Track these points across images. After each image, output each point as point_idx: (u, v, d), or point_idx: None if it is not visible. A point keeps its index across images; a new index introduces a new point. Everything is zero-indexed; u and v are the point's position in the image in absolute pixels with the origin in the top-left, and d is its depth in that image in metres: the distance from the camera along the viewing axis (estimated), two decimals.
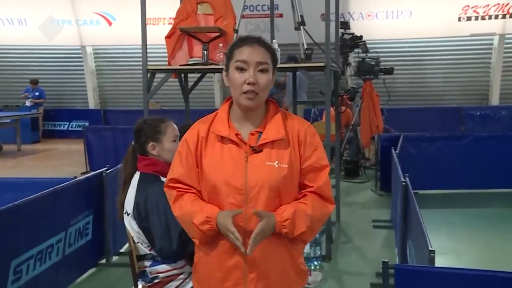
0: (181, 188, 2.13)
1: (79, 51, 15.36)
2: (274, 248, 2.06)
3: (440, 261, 3.53)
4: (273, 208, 2.03)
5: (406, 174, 4.38)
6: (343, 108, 6.97)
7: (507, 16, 13.20)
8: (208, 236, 2.05)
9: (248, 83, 2.00)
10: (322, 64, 4.68)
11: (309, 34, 5.32)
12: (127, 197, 2.81)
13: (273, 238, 2.04)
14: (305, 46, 5.14)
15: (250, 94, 2.00)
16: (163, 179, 2.78)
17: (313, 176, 2.10)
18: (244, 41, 2.06)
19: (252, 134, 2.08)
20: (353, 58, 10.19)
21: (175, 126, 2.98)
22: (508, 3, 13.13)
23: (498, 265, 4.31)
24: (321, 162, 2.12)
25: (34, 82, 14.35)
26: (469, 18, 13.38)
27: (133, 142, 2.97)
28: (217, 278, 2.09)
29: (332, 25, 5.35)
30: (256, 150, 2.04)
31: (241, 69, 2.02)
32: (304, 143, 2.09)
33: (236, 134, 2.06)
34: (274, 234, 2.02)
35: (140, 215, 2.69)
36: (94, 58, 15.65)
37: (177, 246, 2.60)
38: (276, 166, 2.03)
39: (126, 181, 2.89)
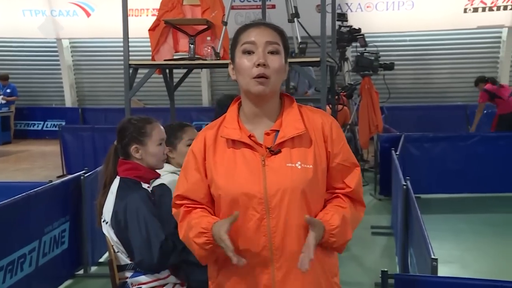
0: (189, 204, 2.02)
1: (55, 45, 15.29)
2: (304, 272, 1.88)
3: (444, 271, 3.56)
4: (300, 217, 1.88)
5: (408, 177, 4.41)
6: (340, 106, 7.01)
7: None
8: (208, 252, 1.92)
9: (258, 65, 1.87)
10: (318, 59, 4.70)
11: (303, 27, 5.34)
12: (106, 203, 2.80)
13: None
14: (299, 40, 5.15)
15: (260, 78, 1.87)
16: (144, 185, 2.78)
17: (343, 176, 2.00)
18: (250, 24, 1.97)
19: (267, 134, 1.95)
20: (351, 52, 10.24)
21: (162, 129, 2.96)
22: None
23: (507, 275, 4.34)
24: (351, 160, 2.02)
25: (4, 78, 14.27)
26: (475, 10, 13.46)
27: (115, 142, 2.95)
28: None
29: (329, 17, 5.38)
30: (274, 151, 1.91)
31: (248, 52, 1.90)
32: (331, 138, 1.97)
33: (249, 136, 1.94)
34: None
35: (118, 225, 2.68)
36: (71, 52, 15.58)
37: (158, 259, 2.59)
38: (299, 167, 1.90)
39: (106, 184, 2.87)
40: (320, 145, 1.96)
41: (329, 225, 1.89)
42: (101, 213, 2.83)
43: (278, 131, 1.94)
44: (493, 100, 10.08)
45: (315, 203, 1.95)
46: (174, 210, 2.08)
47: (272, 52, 1.91)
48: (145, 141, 2.85)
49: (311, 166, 1.91)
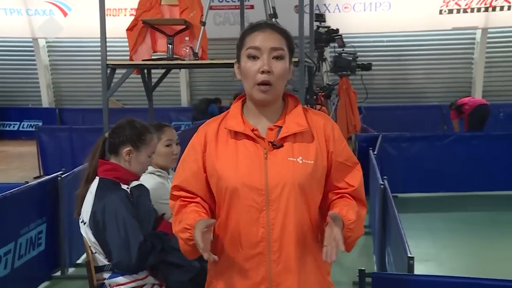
0: (185, 197, 2.03)
1: (31, 44, 15.09)
2: (303, 263, 1.97)
3: (421, 269, 3.59)
4: (298, 210, 1.93)
5: (385, 177, 4.43)
6: (318, 106, 7.02)
7: (490, 9, 13.49)
8: (192, 247, 1.93)
9: (262, 72, 1.90)
10: (296, 60, 4.71)
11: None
12: (84, 204, 2.78)
13: (303, 252, 1.96)
14: None
15: (263, 86, 1.91)
16: (124, 186, 2.76)
17: (345, 176, 2.02)
18: (256, 26, 1.98)
19: (270, 129, 1.98)
20: (329, 53, 10.28)
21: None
22: None
23: (482, 273, 4.40)
24: (353, 160, 2.05)
25: None
26: (450, 11, 13.62)
27: (106, 135, 2.92)
28: None
29: (306, 17, 5.39)
30: (276, 145, 1.94)
31: (253, 57, 1.93)
32: (333, 138, 2.01)
33: (252, 130, 1.97)
34: (306, 246, 1.96)
35: (97, 226, 2.66)
36: (48, 52, 15.40)
37: (136, 260, 2.58)
38: (300, 162, 1.93)
39: (89, 176, 2.84)
40: (321, 143, 2.00)
41: (347, 220, 1.91)
42: (81, 205, 2.80)
43: (281, 127, 1.98)
44: (461, 113, 10.37)
45: (313, 198, 1.99)
46: (171, 202, 2.10)
47: (276, 58, 1.94)
48: (140, 148, 2.85)
49: (312, 162, 1.95)
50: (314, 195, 1.99)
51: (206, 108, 12.00)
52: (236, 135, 1.98)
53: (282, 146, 1.95)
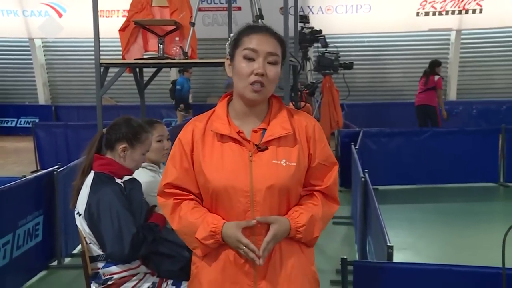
0: (178, 194, 2.00)
1: (27, 44, 14.95)
2: (286, 254, 1.96)
3: (399, 257, 3.62)
4: (281, 210, 1.93)
5: (366, 170, 4.45)
6: (302, 103, 7.01)
7: (463, 12, 13.59)
8: (211, 249, 1.94)
9: (257, 74, 1.88)
10: (272, 62, 4.69)
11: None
12: (80, 196, 2.76)
13: (285, 244, 1.95)
14: None
15: (256, 85, 1.88)
16: (117, 180, 2.74)
17: (321, 175, 2.01)
18: (254, 28, 1.95)
19: (254, 131, 1.95)
20: (312, 52, 10.29)
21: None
22: None
23: (456, 260, 4.43)
24: (331, 160, 2.04)
25: None
26: (427, 13, 13.70)
27: (104, 130, 2.90)
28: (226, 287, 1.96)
29: (291, 19, 5.37)
30: (261, 148, 1.91)
31: (249, 59, 1.90)
32: (314, 139, 2.00)
33: (238, 132, 1.94)
34: (287, 238, 1.94)
35: (91, 218, 2.65)
36: (44, 51, 15.26)
37: (129, 251, 2.56)
38: (284, 164, 1.91)
39: (85, 168, 2.82)
40: (303, 145, 1.99)
41: (295, 223, 1.93)
42: (76, 196, 2.78)
43: (265, 129, 1.95)
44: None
45: (294, 199, 1.99)
46: (161, 199, 2.04)
47: (270, 63, 1.92)
48: (135, 145, 2.83)
49: (294, 164, 1.93)
50: (295, 195, 1.99)
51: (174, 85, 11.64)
52: (221, 137, 1.95)
53: (266, 149, 1.93)
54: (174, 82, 11.88)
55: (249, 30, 1.95)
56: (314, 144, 2.00)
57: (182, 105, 11.29)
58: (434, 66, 9.94)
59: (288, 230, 1.92)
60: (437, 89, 9.82)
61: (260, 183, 1.89)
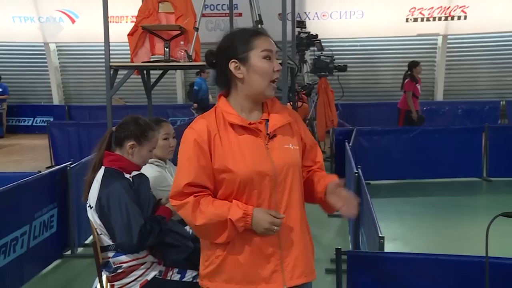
0: (196, 192, 1.92)
1: (43, 48, 14.94)
2: (300, 234, 2.01)
3: (390, 247, 3.61)
4: (294, 187, 1.99)
5: (359, 166, 4.44)
6: (299, 103, 7.03)
7: (449, 18, 13.62)
8: (236, 234, 1.91)
9: (278, 70, 1.96)
10: (279, 61, 4.69)
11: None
12: (91, 190, 2.75)
13: (300, 225, 2.01)
14: None
15: (276, 82, 1.98)
16: (126, 175, 2.74)
17: (314, 155, 2.15)
18: (261, 32, 2.01)
19: (259, 122, 2.00)
20: (309, 55, 10.27)
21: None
22: (449, 6, 13.52)
23: (443, 250, 4.42)
24: (314, 140, 2.18)
25: None
26: (415, 19, 13.71)
27: (113, 128, 2.89)
28: (252, 270, 1.94)
29: (289, 24, 5.38)
30: (271, 136, 1.98)
31: (269, 58, 1.96)
32: (300, 125, 2.12)
33: (250, 123, 1.97)
34: (304, 222, 2.04)
35: (102, 210, 2.64)
36: (58, 55, 15.24)
37: (137, 241, 2.56)
38: (292, 148, 2.01)
39: (96, 164, 2.82)
40: (297, 131, 2.08)
41: (333, 178, 2.06)
42: (88, 190, 2.77)
43: (267, 120, 2.01)
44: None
45: (300, 178, 2.06)
46: (177, 202, 1.94)
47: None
48: (143, 143, 2.83)
49: (297, 148, 2.04)
50: (301, 173, 2.06)
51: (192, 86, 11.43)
52: (237, 129, 1.94)
53: (275, 136, 1.99)
54: (192, 85, 11.55)
55: (258, 33, 1.99)
56: (304, 131, 2.13)
57: (195, 104, 11.05)
58: (411, 67, 9.46)
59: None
60: (406, 92, 9.37)
61: (280, 165, 1.95)
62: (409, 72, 9.49)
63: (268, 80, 1.95)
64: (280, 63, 1.96)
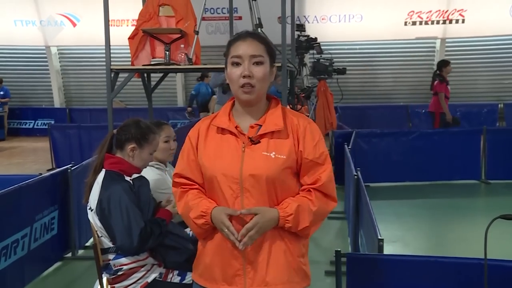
0: (185, 184, 2.07)
1: (44, 51, 14.95)
2: (270, 242, 1.97)
3: (389, 249, 3.61)
4: (271, 200, 1.95)
5: (358, 168, 4.44)
6: (299, 106, 7.00)
7: (447, 22, 13.64)
8: (204, 230, 2.00)
9: (244, 76, 1.94)
10: (279, 65, 4.68)
11: (266, 36, 5.31)
12: (92, 193, 2.75)
13: (271, 232, 1.96)
14: None
15: (246, 87, 1.95)
16: (127, 178, 2.74)
17: (315, 172, 1.99)
18: (238, 36, 2.01)
19: (251, 127, 2.01)
20: (308, 59, 10.27)
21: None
22: (447, 10, 13.54)
23: (442, 252, 4.43)
24: (323, 158, 2.01)
25: None
26: (414, 23, 13.73)
27: (115, 131, 2.89)
28: (218, 269, 2.00)
29: (288, 27, 5.38)
30: (254, 141, 1.96)
31: (236, 64, 1.97)
32: (304, 138, 1.99)
33: (236, 127, 2.00)
34: (276, 229, 1.95)
35: (102, 212, 2.64)
36: (59, 58, 15.26)
37: (137, 243, 2.57)
38: (273, 156, 1.94)
39: (97, 166, 2.81)
40: (295, 142, 2.00)
41: (284, 212, 1.94)
42: (89, 192, 2.77)
43: (260, 125, 2.00)
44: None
45: (282, 191, 1.98)
46: (173, 189, 2.14)
47: (257, 63, 1.97)
48: (144, 146, 2.83)
49: (284, 157, 1.95)
50: (285, 187, 1.98)
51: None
52: (222, 131, 2.02)
53: (259, 142, 1.97)
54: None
55: (234, 39, 2.02)
56: (304, 143, 1.99)
57: (189, 109, 11.13)
58: (441, 66, 8.77)
59: (276, 219, 1.93)
60: (438, 93, 8.70)
61: (248, 171, 1.93)
62: (438, 72, 8.86)
63: (236, 86, 1.97)
64: (278, 66, 1.94)
